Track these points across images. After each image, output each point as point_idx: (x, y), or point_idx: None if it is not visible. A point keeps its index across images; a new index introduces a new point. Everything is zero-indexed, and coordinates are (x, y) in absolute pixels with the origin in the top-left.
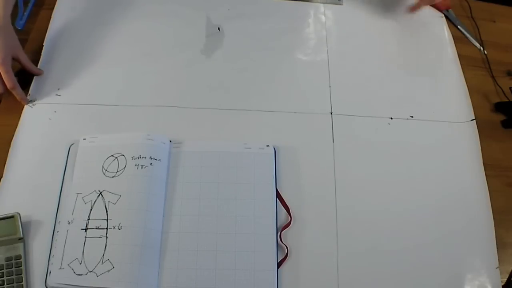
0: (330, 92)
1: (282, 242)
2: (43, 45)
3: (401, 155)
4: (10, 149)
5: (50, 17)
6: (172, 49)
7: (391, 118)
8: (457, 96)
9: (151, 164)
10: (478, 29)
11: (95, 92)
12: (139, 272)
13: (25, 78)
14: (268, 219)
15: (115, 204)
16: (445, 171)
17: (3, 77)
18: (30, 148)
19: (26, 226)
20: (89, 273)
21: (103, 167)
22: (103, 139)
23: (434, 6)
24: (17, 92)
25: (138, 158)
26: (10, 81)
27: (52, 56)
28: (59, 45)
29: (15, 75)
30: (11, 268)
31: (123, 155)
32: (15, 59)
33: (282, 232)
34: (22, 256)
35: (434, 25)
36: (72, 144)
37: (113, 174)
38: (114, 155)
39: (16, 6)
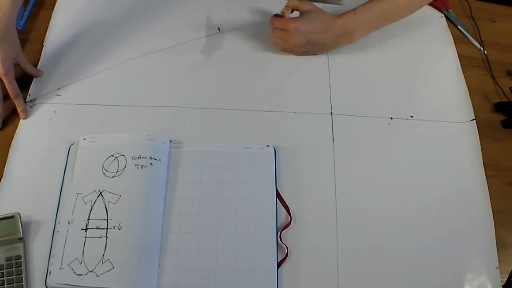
0: (330, 92)
1: (282, 242)
2: (43, 45)
3: (401, 155)
4: (10, 149)
5: (50, 17)
6: (172, 49)
7: (391, 118)
8: (457, 96)
9: (151, 164)
10: (478, 29)
11: (95, 92)
12: (139, 272)
13: (25, 78)
14: (268, 219)
15: (115, 204)
16: (445, 171)
17: (7, 87)
18: (30, 148)
19: (26, 226)
20: (89, 273)
21: (103, 167)
22: (103, 139)
23: (434, 5)
24: (19, 102)
25: (138, 158)
26: (13, 90)
27: (52, 56)
28: (59, 45)
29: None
30: (11, 268)
31: (123, 155)
32: (15, 65)
33: (282, 232)
34: (22, 256)
35: (434, 25)
36: (72, 144)
37: (113, 174)
38: (114, 155)
39: None
